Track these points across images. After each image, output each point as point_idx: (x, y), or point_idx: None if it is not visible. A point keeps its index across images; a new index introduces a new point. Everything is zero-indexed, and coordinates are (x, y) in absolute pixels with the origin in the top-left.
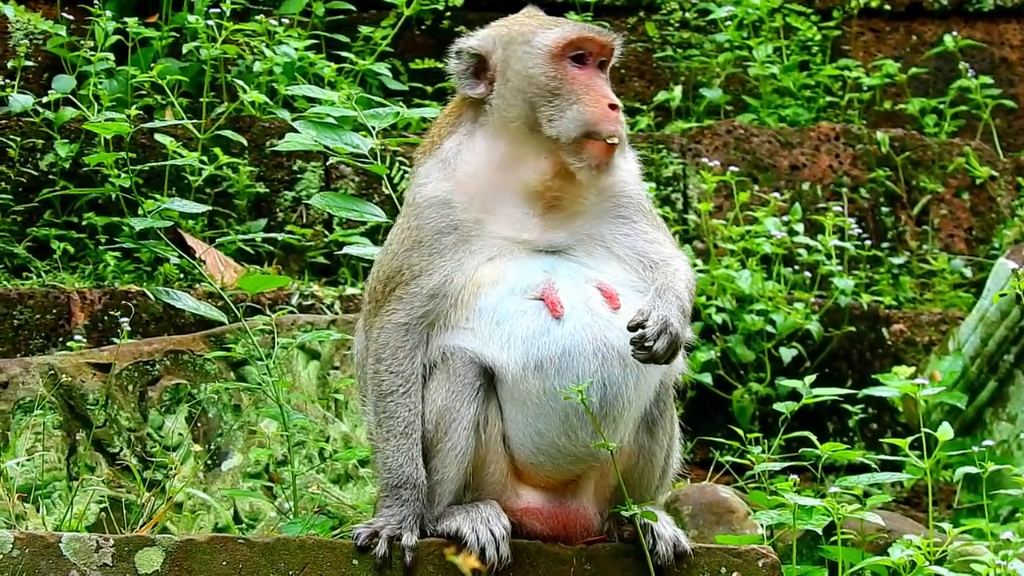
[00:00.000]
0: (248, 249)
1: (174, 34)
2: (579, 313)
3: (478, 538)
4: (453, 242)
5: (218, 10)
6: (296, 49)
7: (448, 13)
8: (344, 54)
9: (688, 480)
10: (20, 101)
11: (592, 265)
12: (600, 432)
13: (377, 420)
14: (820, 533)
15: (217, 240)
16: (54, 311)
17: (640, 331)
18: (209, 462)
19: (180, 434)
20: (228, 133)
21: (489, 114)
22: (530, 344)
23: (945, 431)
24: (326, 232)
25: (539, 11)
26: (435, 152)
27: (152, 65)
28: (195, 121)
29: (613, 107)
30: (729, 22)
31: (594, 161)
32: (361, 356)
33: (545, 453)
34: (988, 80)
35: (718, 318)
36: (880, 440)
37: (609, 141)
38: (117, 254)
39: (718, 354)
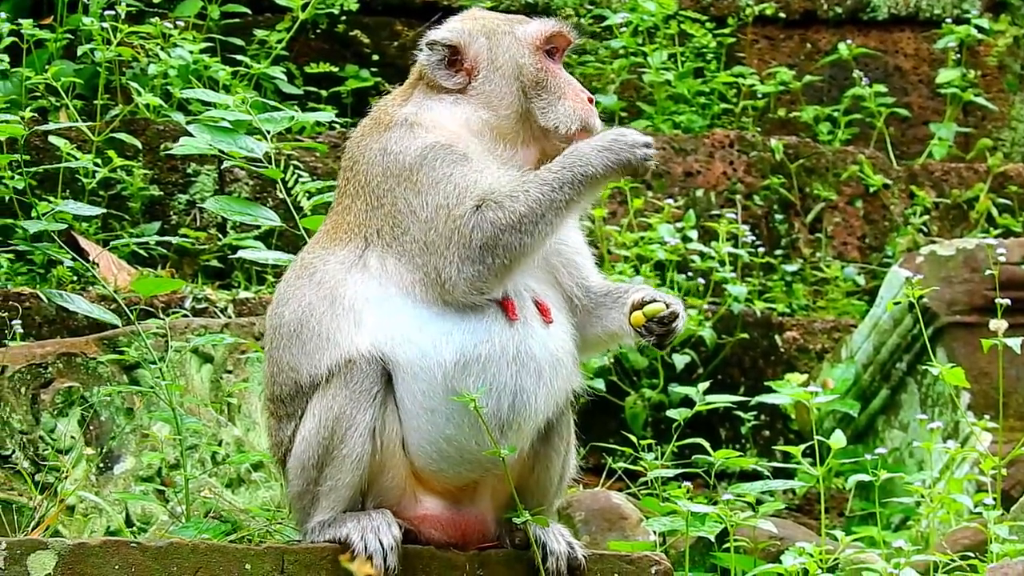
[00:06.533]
0: (142, 252)
1: (69, 36)
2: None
3: (366, 547)
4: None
5: (113, 12)
6: (191, 52)
7: (343, 17)
8: (239, 57)
9: (581, 486)
10: None
11: (533, 276)
12: (494, 442)
13: None
14: (712, 540)
15: (111, 243)
16: None
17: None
18: (101, 465)
19: (72, 437)
20: (122, 136)
21: (467, 103)
22: (469, 342)
23: (837, 439)
24: (220, 235)
25: (485, 11)
26: (392, 125)
27: (47, 67)
28: (89, 123)
29: (590, 100)
30: (624, 28)
31: None
32: None
33: (449, 459)
34: (882, 88)
35: None
36: (773, 447)
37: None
38: (10, 256)
39: (611, 360)
